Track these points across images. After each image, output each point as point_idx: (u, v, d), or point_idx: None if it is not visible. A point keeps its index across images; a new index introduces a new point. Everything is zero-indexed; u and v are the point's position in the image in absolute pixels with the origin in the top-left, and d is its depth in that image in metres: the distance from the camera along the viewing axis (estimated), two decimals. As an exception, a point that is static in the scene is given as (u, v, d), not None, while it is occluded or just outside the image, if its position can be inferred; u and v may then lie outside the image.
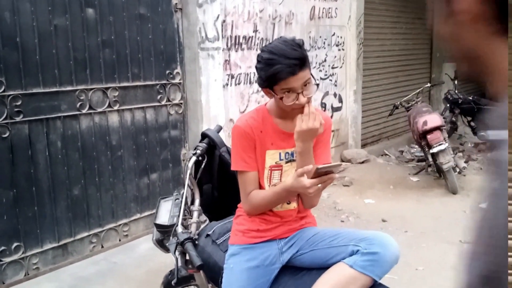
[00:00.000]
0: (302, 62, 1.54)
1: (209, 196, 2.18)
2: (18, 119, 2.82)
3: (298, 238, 1.69)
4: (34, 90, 2.89)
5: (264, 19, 4.46)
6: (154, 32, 3.56)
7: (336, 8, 5.27)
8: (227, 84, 4.11)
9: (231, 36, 4.09)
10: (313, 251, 1.62)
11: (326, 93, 5.32)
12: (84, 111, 3.16)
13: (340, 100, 5.56)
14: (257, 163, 1.71)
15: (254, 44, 4.39)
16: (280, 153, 1.70)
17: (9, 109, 2.76)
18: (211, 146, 2.06)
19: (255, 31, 4.39)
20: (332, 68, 5.34)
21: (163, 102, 3.67)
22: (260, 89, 4.32)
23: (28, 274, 2.96)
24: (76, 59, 3.09)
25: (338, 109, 5.57)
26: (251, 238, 1.69)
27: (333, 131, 5.38)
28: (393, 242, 1.50)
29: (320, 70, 5.18)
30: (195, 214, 2.14)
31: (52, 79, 2.98)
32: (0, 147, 2.76)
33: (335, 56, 5.35)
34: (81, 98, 3.14)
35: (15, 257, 2.89)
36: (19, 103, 2.81)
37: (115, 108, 3.35)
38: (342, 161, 5.56)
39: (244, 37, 4.25)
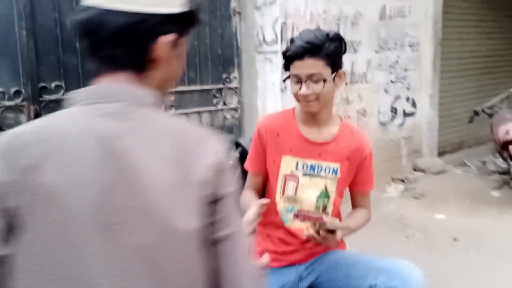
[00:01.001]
0: (314, 48, 1.40)
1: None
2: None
3: (319, 263, 1.54)
4: (91, 94, 2.97)
5: (328, 20, 4.28)
6: (212, 36, 3.54)
7: (410, 6, 4.94)
8: (285, 88, 3.99)
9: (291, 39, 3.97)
10: (331, 281, 1.46)
11: (397, 97, 5.00)
12: (139, 115, 3.20)
13: (414, 105, 5.20)
14: (269, 167, 1.60)
15: (318, 47, 4.23)
16: (297, 162, 1.56)
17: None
18: (244, 156, 1.96)
19: (319, 33, 4.23)
20: (405, 70, 5.01)
21: (219, 107, 3.64)
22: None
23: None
24: (132, 63, 3.13)
25: (411, 114, 5.22)
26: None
27: (405, 138, 5.04)
28: (416, 274, 1.31)
29: (391, 73, 4.88)
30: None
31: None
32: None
33: (408, 58, 5.01)
34: (137, 102, 3.18)
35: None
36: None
37: (171, 112, 3.37)
38: (415, 170, 5.20)
39: (307, 40, 4.11)
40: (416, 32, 5.06)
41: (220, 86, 3.63)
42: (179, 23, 0.90)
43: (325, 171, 1.55)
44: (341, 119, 1.64)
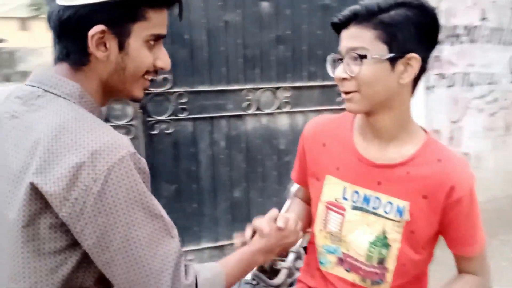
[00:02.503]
0: (363, 12, 0.98)
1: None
2: (182, 116, 2.84)
3: None
4: (200, 88, 2.87)
5: (498, 3, 3.45)
6: (340, 25, 3.12)
7: None
8: (433, 86, 3.34)
9: (445, 27, 3.29)
10: None
11: None
12: (250, 112, 3.00)
13: None
14: (310, 186, 1.21)
15: (481, 36, 3.45)
16: (345, 188, 1.13)
17: (174, 106, 2.81)
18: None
19: (483, 19, 3.43)
20: None
21: (343, 106, 3.20)
22: (485, 94, 3.29)
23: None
24: (245, 56, 2.94)
25: None
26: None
27: None
28: None
29: None
30: (290, 257, 1.69)
31: (219, 77, 2.90)
32: (164, 142, 2.84)
33: None
34: (248, 98, 2.98)
35: (171, 250, 2.96)
36: (184, 100, 2.83)
37: (285, 110, 3.08)
38: None
39: (465, 27, 3.37)
40: None
41: (345, 82, 3.20)
42: (108, 14, 0.87)
43: (385, 209, 1.08)
44: (426, 132, 1.13)
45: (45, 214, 0.81)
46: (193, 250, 3.02)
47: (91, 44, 0.87)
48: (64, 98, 0.88)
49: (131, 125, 2.73)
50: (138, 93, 0.98)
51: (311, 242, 1.24)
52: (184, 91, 2.82)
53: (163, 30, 0.94)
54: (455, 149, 3.43)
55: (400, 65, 0.99)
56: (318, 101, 3.16)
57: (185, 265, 0.90)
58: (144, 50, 0.92)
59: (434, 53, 3.06)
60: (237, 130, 3.00)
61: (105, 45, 0.88)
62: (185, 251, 2.99)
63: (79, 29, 0.87)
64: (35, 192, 0.79)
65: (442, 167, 1.06)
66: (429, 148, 1.09)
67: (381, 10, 0.97)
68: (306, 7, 3.02)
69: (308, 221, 1.35)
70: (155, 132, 2.79)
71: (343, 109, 3.22)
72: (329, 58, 1.07)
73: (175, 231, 0.90)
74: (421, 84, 3.29)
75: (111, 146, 0.81)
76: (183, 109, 2.84)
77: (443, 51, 3.31)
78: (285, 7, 2.98)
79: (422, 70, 1.03)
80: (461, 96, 3.45)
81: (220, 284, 0.95)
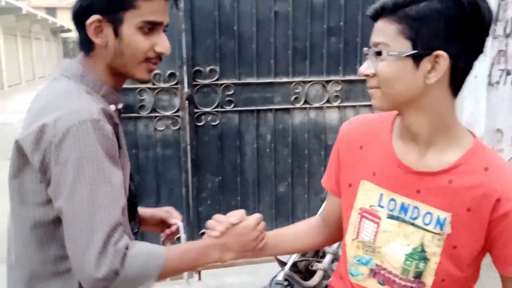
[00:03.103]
0: (389, 6, 0.90)
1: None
2: (228, 108, 2.81)
3: None
4: (248, 80, 2.82)
5: None
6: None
7: None
8: (497, 83, 3.10)
9: (512, 19, 3.03)
10: None
11: None
12: (298, 105, 2.92)
13: None
14: (343, 192, 1.13)
15: (553, 30, 3.15)
16: (381, 195, 1.03)
17: (221, 98, 2.78)
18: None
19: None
20: None
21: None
22: None
23: (224, 262, 2.99)
24: (295, 48, 2.85)
25: None
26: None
27: None
28: None
29: None
30: (327, 258, 1.62)
31: (267, 69, 2.84)
32: (210, 134, 2.82)
33: None
34: (297, 91, 2.90)
35: (213, 242, 2.95)
36: (231, 92, 2.80)
37: (335, 104, 2.97)
38: None
39: (534, 20, 3.09)
40: None
41: (400, 76, 3.04)
42: (103, 4, 1.00)
43: (424, 219, 0.98)
44: (474, 137, 1.02)
45: (27, 168, 0.96)
46: (236, 244, 2.99)
47: (90, 32, 1.01)
48: (69, 78, 1.03)
49: (177, 116, 2.74)
50: (141, 75, 1.07)
51: (343, 252, 1.16)
52: (231, 83, 2.78)
53: (156, 17, 1.02)
54: (520, 151, 3.18)
55: (426, 63, 0.89)
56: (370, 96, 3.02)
57: (122, 236, 0.94)
58: (138, 36, 1.02)
59: (500, 47, 2.79)
60: (283, 123, 2.93)
61: (98, 33, 1.02)
62: (227, 244, 2.97)
63: (83, 20, 1.01)
64: (18, 149, 0.96)
65: (489, 176, 0.95)
66: (475, 155, 0.98)
67: (409, 2, 0.87)
68: (361, -3, 2.88)
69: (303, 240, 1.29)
70: (201, 123, 2.78)
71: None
72: (364, 51, 0.99)
73: (121, 202, 0.96)
74: (483, 80, 3.05)
75: (76, 111, 0.93)
76: (230, 101, 2.81)
77: (510, 45, 3.05)
78: (338, -3, 2.86)
79: (460, 70, 0.92)
80: (528, 94, 3.18)
81: (155, 265, 0.97)
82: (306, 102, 2.93)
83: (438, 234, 0.97)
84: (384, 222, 1.03)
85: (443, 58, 0.88)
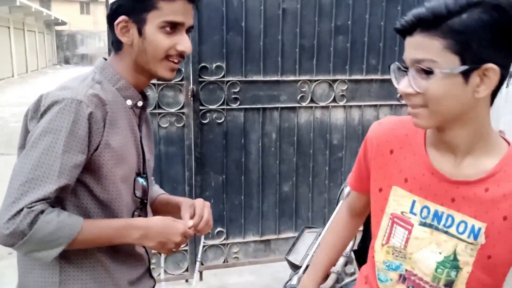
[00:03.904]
0: (429, 19, 0.84)
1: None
2: (234, 106, 2.78)
3: None
4: (254, 78, 2.79)
5: None
6: (405, 15, 2.93)
7: None
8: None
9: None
10: None
11: None
12: (304, 104, 2.89)
13: None
14: (373, 196, 1.10)
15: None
16: (414, 202, 1.01)
17: (226, 95, 2.74)
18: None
19: None
20: None
21: (404, 101, 3.03)
22: None
23: (227, 261, 2.97)
24: (302, 46, 2.82)
25: None
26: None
27: None
28: None
29: None
30: (341, 261, 1.59)
31: (274, 67, 2.81)
32: (215, 132, 2.78)
33: None
34: (303, 89, 2.87)
35: (216, 241, 2.92)
36: (237, 89, 2.76)
37: (341, 103, 2.95)
38: None
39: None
40: None
41: (406, 77, 3.02)
42: (129, 6, 1.10)
43: (457, 228, 0.95)
44: (510, 144, 0.99)
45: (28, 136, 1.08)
46: (238, 243, 2.97)
47: (117, 31, 1.12)
48: (94, 70, 1.16)
49: (182, 113, 2.69)
50: (163, 73, 1.15)
51: (371, 257, 1.13)
52: (237, 80, 2.75)
53: (177, 18, 1.10)
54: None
55: (475, 77, 0.85)
56: (377, 95, 3.00)
57: (45, 207, 1.01)
58: (159, 35, 1.10)
59: None
60: (289, 122, 2.90)
61: (125, 33, 1.12)
62: (229, 243, 2.94)
63: (113, 21, 1.12)
64: (24, 119, 1.11)
65: None
66: (511, 162, 0.95)
67: (451, 14, 0.82)
68: (369, -5, 2.86)
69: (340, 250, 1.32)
70: (206, 121, 2.74)
71: (404, 105, 3.04)
72: (393, 67, 0.95)
73: (62, 180, 1.02)
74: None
75: (66, 90, 1.06)
76: (235, 99, 2.77)
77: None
78: (346, -5, 2.83)
79: (502, 79, 0.89)
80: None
81: (66, 234, 1.02)
82: (312, 101, 2.90)
83: (471, 243, 0.95)
84: (416, 229, 1.00)
85: (493, 71, 0.84)
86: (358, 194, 1.22)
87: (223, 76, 2.72)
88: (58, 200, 1.06)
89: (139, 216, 1.23)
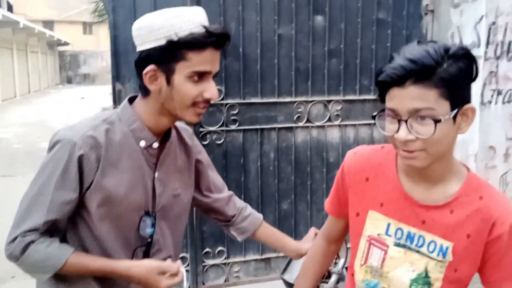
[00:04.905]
0: (422, 70, 0.92)
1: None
2: (233, 127, 2.89)
3: None
4: (252, 100, 2.91)
5: None
6: (394, 38, 3.07)
7: None
8: (489, 102, 3.21)
9: (502, 42, 3.15)
10: None
11: None
12: (301, 124, 3.01)
13: None
14: (351, 220, 1.20)
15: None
16: (389, 225, 1.11)
17: (225, 117, 2.86)
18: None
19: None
20: None
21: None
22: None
23: (228, 281, 3.04)
24: (298, 69, 2.95)
25: None
26: None
27: None
28: None
29: None
30: (333, 278, 1.67)
31: (271, 89, 2.93)
32: (215, 153, 2.89)
33: None
34: (299, 110, 2.99)
35: (217, 261, 3.01)
36: (235, 111, 2.88)
37: (336, 122, 3.06)
38: None
39: (524, 43, 3.21)
40: None
41: (398, 96, 3.13)
42: (158, 56, 1.12)
43: (428, 248, 1.06)
44: (468, 170, 1.10)
45: None
46: (239, 262, 3.05)
47: (145, 80, 1.15)
48: (116, 109, 1.25)
49: (183, 135, 2.81)
50: (190, 118, 1.19)
51: (351, 275, 1.24)
52: (235, 103, 2.87)
53: (205, 68, 1.13)
54: (511, 167, 3.28)
55: (459, 117, 0.97)
56: (370, 114, 3.10)
57: (37, 237, 1.14)
58: (187, 84, 1.13)
59: (491, 68, 2.90)
60: (287, 142, 3.02)
61: (153, 81, 1.15)
62: (230, 262, 3.02)
63: (141, 69, 1.15)
64: None
65: (484, 204, 1.04)
66: (471, 186, 1.07)
67: (439, 64, 0.93)
68: (360, 21, 2.99)
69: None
70: (206, 142, 2.85)
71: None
72: (377, 118, 1.03)
73: (51, 215, 1.13)
74: (476, 100, 3.15)
75: (70, 130, 1.16)
76: (234, 120, 2.89)
77: (500, 66, 3.17)
78: (338, 21, 2.97)
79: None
80: (520, 113, 3.30)
81: (52, 263, 1.14)
82: (308, 121, 3.01)
83: (441, 261, 1.06)
84: (391, 249, 1.10)
85: (471, 110, 0.98)
86: (335, 220, 1.32)
87: (222, 99, 2.84)
88: (56, 229, 1.17)
89: (143, 253, 1.27)
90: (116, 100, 2.68)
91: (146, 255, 1.28)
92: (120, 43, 2.64)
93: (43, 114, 14.26)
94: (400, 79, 0.94)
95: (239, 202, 1.62)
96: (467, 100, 0.98)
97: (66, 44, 29.13)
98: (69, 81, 30.55)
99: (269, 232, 1.63)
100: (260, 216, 1.63)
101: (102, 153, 1.15)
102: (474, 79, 0.98)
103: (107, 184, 1.16)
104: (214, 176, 1.58)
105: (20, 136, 10.33)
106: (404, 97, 0.94)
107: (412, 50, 0.96)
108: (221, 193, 1.57)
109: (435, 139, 0.95)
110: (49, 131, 10.80)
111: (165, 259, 1.29)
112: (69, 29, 31.84)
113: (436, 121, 0.93)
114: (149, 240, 1.27)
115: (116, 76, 2.68)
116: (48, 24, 30.20)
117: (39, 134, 10.33)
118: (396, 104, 0.96)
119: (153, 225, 1.26)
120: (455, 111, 0.95)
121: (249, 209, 1.62)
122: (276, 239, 1.64)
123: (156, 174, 1.26)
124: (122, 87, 2.69)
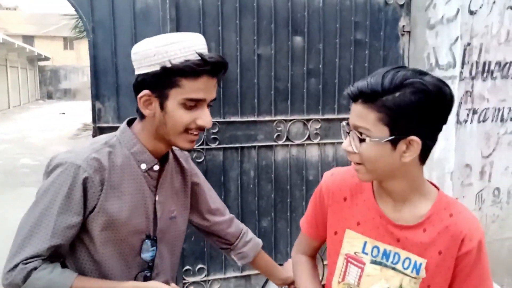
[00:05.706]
0: (366, 93, 1.00)
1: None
2: (213, 145, 2.91)
3: None
4: (232, 119, 2.93)
5: (535, 39, 3.39)
6: (372, 59, 3.14)
7: None
8: (465, 121, 3.29)
9: (477, 62, 3.25)
10: None
11: None
12: (280, 142, 3.04)
13: None
14: (329, 239, 1.23)
15: (516, 72, 3.39)
16: (365, 243, 1.14)
17: (206, 135, 2.88)
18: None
19: (518, 55, 3.37)
20: None
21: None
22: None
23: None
24: (277, 89, 2.99)
25: None
26: None
27: None
28: None
29: None
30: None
31: (251, 108, 2.96)
32: (195, 171, 2.90)
33: None
34: (279, 129, 3.02)
35: (197, 278, 3.00)
36: (216, 130, 2.90)
37: (316, 141, 3.11)
38: None
39: (498, 63, 3.32)
40: None
41: (376, 115, 3.20)
42: (153, 81, 1.13)
43: (403, 264, 1.10)
44: (438, 189, 1.14)
45: None
46: (219, 279, 3.04)
47: (140, 104, 1.17)
48: (116, 133, 1.24)
49: (163, 153, 2.81)
50: (183, 144, 1.19)
51: None
52: (216, 121, 2.89)
53: (198, 95, 1.12)
54: (486, 184, 3.36)
55: (402, 145, 1.01)
56: (348, 133, 3.16)
57: (39, 263, 1.08)
58: (180, 110, 1.13)
59: (466, 88, 2.97)
60: (266, 160, 3.04)
61: (147, 106, 1.16)
62: (210, 280, 3.01)
63: (137, 93, 1.17)
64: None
65: (454, 221, 1.09)
66: (441, 205, 1.12)
67: (385, 92, 0.98)
68: (338, 41, 3.06)
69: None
70: (186, 160, 2.86)
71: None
72: (343, 124, 1.10)
73: (54, 240, 1.10)
74: (452, 119, 3.22)
75: (71, 154, 1.15)
76: (214, 139, 2.91)
77: (475, 86, 3.26)
78: (317, 41, 3.03)
79: (429, 146, 1.05)
80: (493, 131, 3.38)
81: None
82: (288, 139, 3.05)
83: (414, 278, 1.09)
84: (368, 267, 1.13)
85: (416, 143, 1.01)
86: (310, 239, 1.34)
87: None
88: (58, 255, 1.13)
89: (145, 277, 1.25)
90: (96, 119, 2.68)
91: (147, 279, 1.26)
92: (99, 63, 2.65)
93: (23, 130, 14.05)
94: (354, 96, 1.03)
95: (240, 225, 1.64)
96: (416, 133, 1.00)
97: (46, 59, 28.90)
98: (50, 96, 30.24)
99: (265, 260, 1.66)
100: (260, 242, 1.66)
101: (106, 176, 1.14)
102: (435, 116, 1.00)
103: (110, 207, 1.15)
104: (214, 198, 1.59)
105: (0, 153, 10.15)
106: (353, 112, 1.04)
107: (376, 74, 1.02)
108: (222, 216, 1.59)
109: (367, 157, 1.03)
110: (29, 147, 10.68)
111: (166, 282, 1.28)
112: (50, 44, 31.63)
113: (361, 140, 1.01)
114: (150, 264, 1.26)
115: (96, 95, 2.68)
116: (28, 39, 29.97)
117: (19, 151, 10.16)
118: (350, 117, 1.06)
119: (155, 248, 1.26)
120: (391, 138, 0.99)
121: (250, 234, 1.65)
122: (270, 267, 1.67)
123: (157, 197, 1.26)
124: (102, 105, 2.70)
